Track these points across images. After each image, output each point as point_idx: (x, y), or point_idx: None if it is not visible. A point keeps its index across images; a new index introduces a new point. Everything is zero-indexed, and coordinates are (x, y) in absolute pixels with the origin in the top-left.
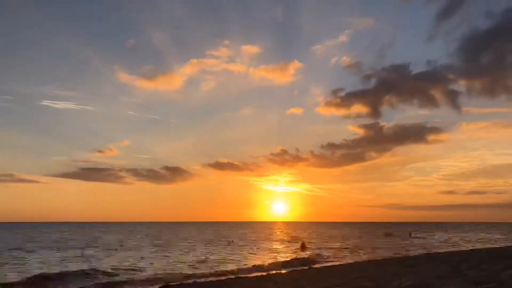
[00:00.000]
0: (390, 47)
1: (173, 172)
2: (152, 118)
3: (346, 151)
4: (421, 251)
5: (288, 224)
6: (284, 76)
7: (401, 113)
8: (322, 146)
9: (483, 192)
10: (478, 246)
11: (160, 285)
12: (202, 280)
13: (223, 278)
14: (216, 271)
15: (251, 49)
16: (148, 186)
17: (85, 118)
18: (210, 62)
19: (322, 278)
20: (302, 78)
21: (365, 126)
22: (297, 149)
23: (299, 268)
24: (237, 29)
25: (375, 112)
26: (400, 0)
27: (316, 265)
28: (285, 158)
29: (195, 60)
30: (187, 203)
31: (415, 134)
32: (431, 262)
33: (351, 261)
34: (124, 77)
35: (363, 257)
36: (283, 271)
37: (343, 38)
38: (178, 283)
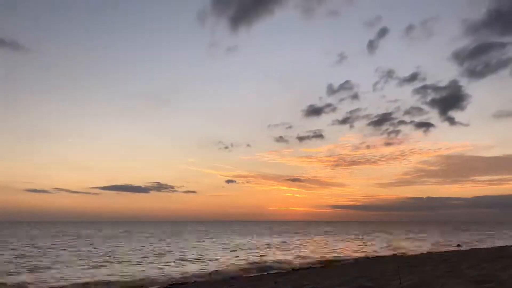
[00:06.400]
0: None
1: None
2: None
3: None
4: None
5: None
6: None
7: None
8: None
9: None
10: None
11: (166, 285)
12: (203, 279)
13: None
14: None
15: None
16: None
17: None
18: None
19: (322, 278)
20: None
21: None
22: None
23: (299, 268)
24: None
25: None
26: None
27: (316, 265)
28: None
29: None
30: None
31: None
32: (431, 261)
33: (351, 261)
34: None
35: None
36: (283, 271)
37: None
38: (181, 282)
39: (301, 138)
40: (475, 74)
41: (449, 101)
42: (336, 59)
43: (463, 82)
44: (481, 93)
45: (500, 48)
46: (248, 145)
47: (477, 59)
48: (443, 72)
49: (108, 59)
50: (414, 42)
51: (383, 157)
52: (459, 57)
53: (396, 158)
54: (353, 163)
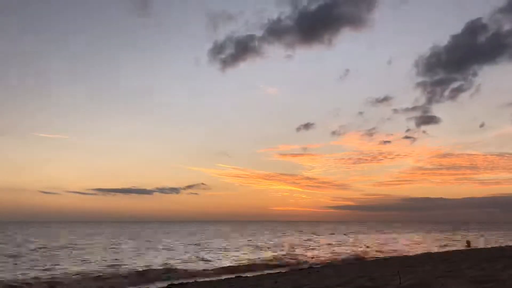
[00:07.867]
0: None
1: None
2: None
3: None
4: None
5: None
6: None
7: None
8: None
9: None
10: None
11: (165, 284)
12: (203, 279)
13: (223, 277)
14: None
15: None
16: None
17: None
18: None
19: (322, 278)
20: None
21: None
22: None
23: (299, 267)
24: None
25: None
26: None
27: (317, 265)
28: None
29: None
30: None
31: None
32: (431, 261)
33: (351, 261)
34: None
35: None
36: (284, 270)
37: None
38: (179, 282)
39: (303, 148)
40: (441, 99)
41: (422, 119)
42: (321, 89)
43: (431, 106)
44: (448, 114)
45: (452, 81)
46: (252, 152)
47: (437, 88)
48: (412, 97)
49: (116, 61)
50: (386, 74)
51: (381, 156)
52: (422, 86)
53: (391, 159)
54: (354, 162)
